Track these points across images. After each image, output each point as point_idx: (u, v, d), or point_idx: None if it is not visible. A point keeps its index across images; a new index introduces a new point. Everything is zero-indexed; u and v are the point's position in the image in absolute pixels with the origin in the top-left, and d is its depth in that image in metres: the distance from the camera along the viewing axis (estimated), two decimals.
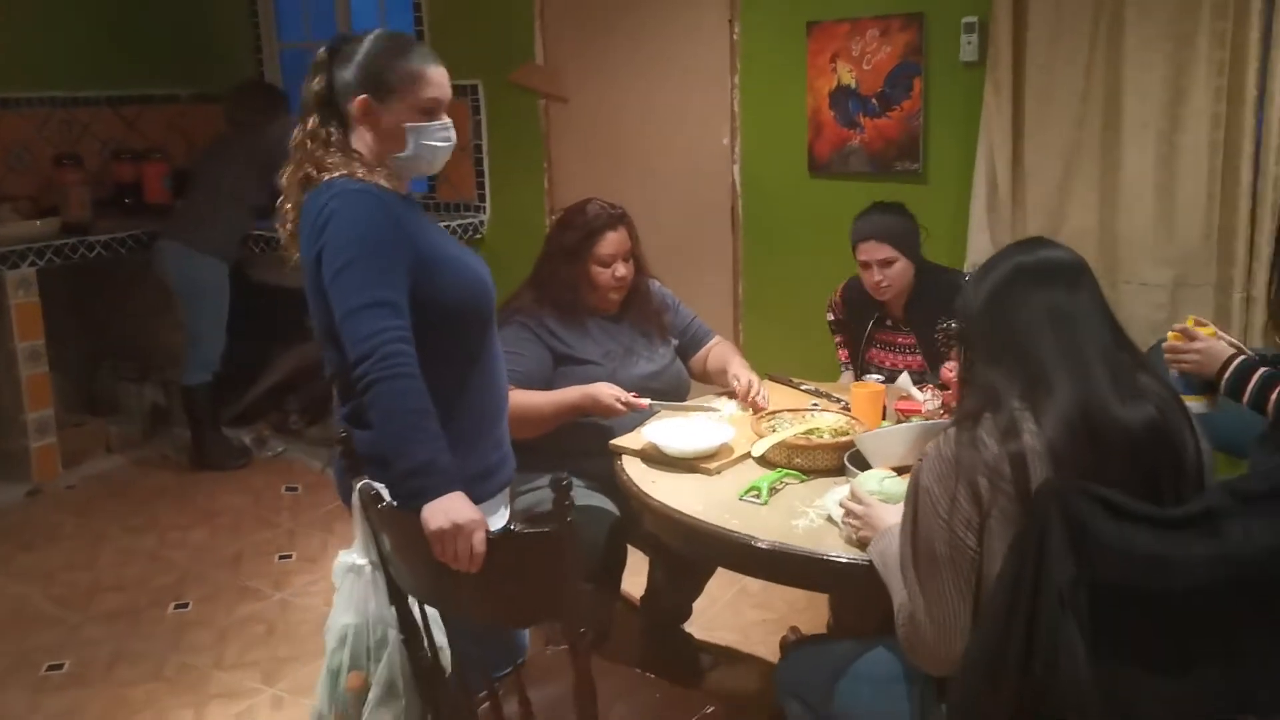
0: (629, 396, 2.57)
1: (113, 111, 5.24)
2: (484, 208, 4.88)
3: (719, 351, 2.96)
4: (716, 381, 2.92)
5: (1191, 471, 1.63)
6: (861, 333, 3.11)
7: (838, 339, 3.22)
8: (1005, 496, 1.56)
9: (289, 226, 1.96)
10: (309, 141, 1.92)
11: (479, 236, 4.83)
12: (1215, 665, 1.54)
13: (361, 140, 1.95)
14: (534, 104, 4.63)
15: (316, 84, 1.94)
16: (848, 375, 3.15)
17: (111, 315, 5.13)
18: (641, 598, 3.10)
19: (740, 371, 2.80)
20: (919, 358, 2.99)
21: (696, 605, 3.14)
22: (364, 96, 1.92)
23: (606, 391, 2.58)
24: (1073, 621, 1.45)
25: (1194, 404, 1.98)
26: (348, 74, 1.93)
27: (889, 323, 3.07)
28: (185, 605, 3.54)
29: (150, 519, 4.23)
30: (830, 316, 3.23)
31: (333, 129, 1.92)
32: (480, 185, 4.86)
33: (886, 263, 2.91)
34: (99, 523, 4.19)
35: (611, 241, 2.75)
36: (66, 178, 4.78)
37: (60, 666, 3.17)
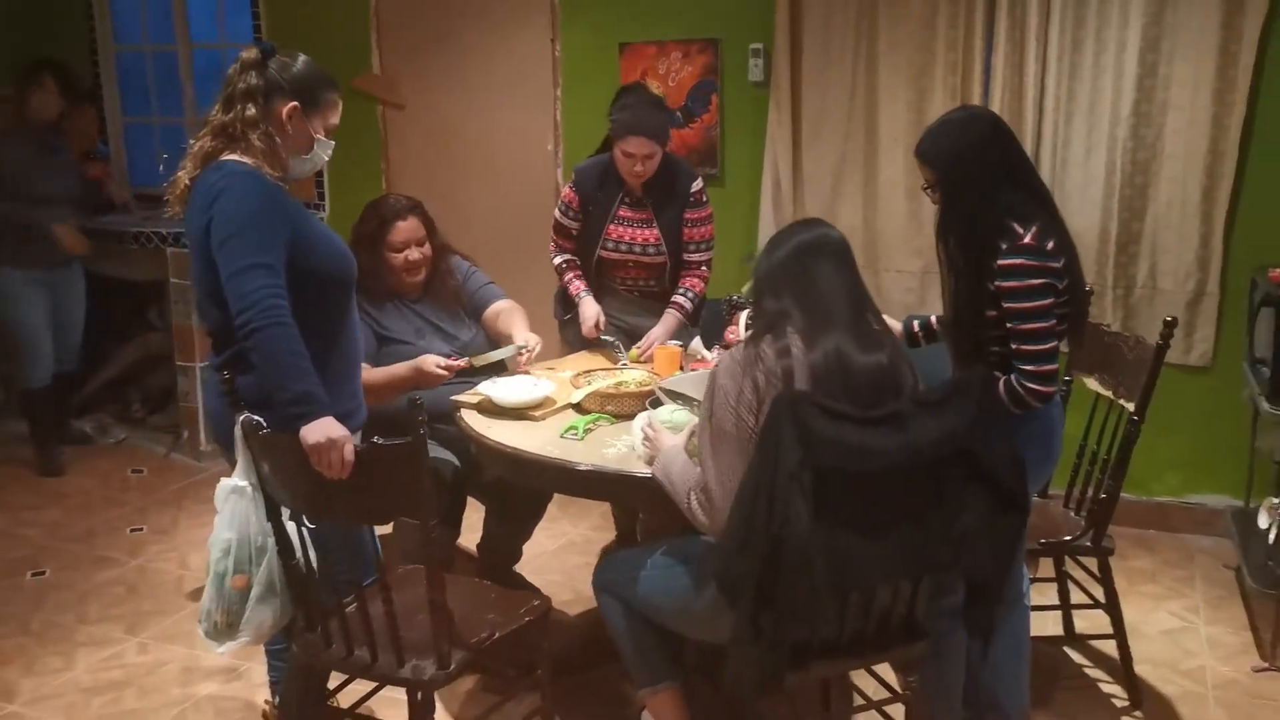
0: (447, 360, 2.99)
1: None
2: (324, 205, 5.20)
3: (507, 315, 3.32)
4: (502, 341, 3.28)
5: (906, 397, 2.19)
6: (606, 213, 3.38)
7: (569, 274, 3.46)
8: (775, 390, 2.08)
9: (180, 191, 2.31)
10: (238, 124, 2.26)
11: None
12: (907, 531, 2.10)
13: (276, 135, 2.31)
14: (373, 110, 5.00)
15: (253, 78, 2.28)
16: (588, 301, 3.38)
17: None
18: (478, 545, 3.53)
19: (526, 335, 3.16)
20: (656, 230, 3.37)
21: (529, 554, 3.59)
22: (295, 104, 2.31)
23: (430, 362, 2.98)
24: (799, 495, 1.97)
25: None
26: (284, 80, 2.30)
27: (628, 200, 3.37)
28: (43, 573, 3.75)
29: None
30: (561, 220, 3.45)
31: (261, 120, 2.27)
32: (320, 185, 5.18)
33: (650, 157, 3.24)
34: None
35: (402, 230, 3.17)
36: None
37: None
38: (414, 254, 3.19)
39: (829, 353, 2.11)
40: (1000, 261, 2.37)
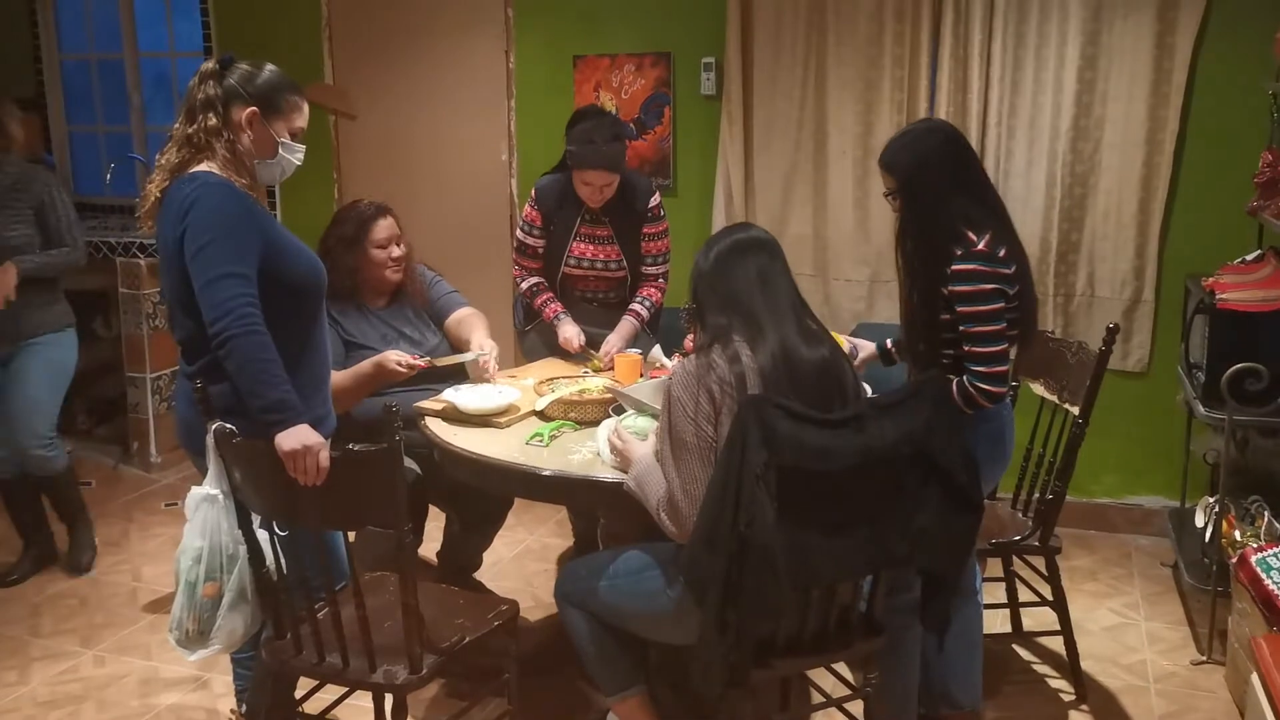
0: (409, 359, 3.05)
1: None
2: (275, 215, 5.17)
3: (468, 322, 3.40)
4: (461, 346, 3.33)
5: (850, 393, 2.28)
6: (568, 231, 3.47)
7: (540, 297, 3.50)
8: (730, 399, 2.15)
9: (149, 204, 2.32)
10: (202, 135, 2.29)
11: None
12: (865, 528, 2.18)
13: (238, 142, 2.34)
14: (324, 120, 4.99)
15: (211, 89, 2.31)
16: (567, 323, 3.43)
17: None
18: (438, 552, 3.56)
19: (483, 341, 3.24)
20: (616, 247, 3.47)
21: (487, 561, 3.62)
22: (254, 109, 2.33)
23: (392, 358, 3.05)
24: (764, 494, 2.03)
25: None
26: (242, 88, 2.32)
27: (588, 217, 3.46)
28: None
29: None
30: (525, 240, 3.50)
31: (223, 128, 2.31)
32: (271, 193, 5.16)
33: (609, 185, 3.34)
34: None
35: (383, 227, 3.26)
36: None
37: None
38: (396, 250, 3.28)
39: (774, 351, 2.19)
40: (954, 267, 2.47)
